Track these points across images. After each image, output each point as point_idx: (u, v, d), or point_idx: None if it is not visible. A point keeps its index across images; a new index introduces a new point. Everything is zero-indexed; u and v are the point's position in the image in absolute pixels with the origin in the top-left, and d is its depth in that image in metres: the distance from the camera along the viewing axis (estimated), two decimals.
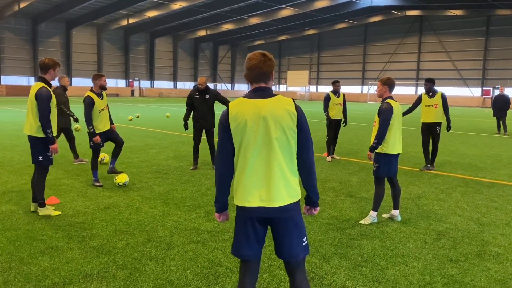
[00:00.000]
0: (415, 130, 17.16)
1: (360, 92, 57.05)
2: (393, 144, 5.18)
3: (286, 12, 45.37)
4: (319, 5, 42.73)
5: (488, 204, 6.22)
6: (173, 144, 11.71)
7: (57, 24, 48.57)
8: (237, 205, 2.69)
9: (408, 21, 51.51)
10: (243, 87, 70.65)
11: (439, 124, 8.65)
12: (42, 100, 4.86)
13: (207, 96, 8.23)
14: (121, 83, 55.60)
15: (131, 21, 48.29)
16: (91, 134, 6.69)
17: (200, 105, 8.25)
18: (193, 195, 6.34)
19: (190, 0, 40.30)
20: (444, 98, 8.62)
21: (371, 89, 53.56)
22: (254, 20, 48.99)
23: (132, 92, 53.85)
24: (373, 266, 3.98)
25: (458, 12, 45.93)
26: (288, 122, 2.47)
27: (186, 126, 8.50)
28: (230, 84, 69.28)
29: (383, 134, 5.08)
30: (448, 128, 8.68)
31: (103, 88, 6.88)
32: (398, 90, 54.69)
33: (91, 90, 6.81)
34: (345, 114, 9.95)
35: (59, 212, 5.22)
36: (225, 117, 2.51)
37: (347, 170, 8.57)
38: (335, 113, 9.79)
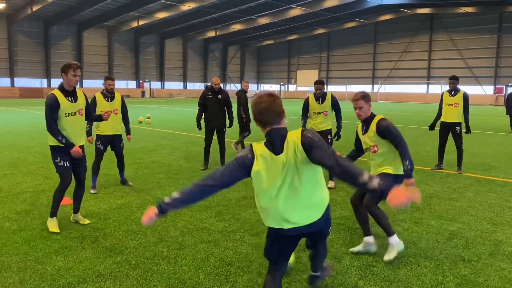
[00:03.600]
0: (425, 128, 17.00)
1: (371, 91, 56.68)
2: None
3: (295, 11, 45.28)
4: (328, 4, 42.54)
5: (501, 203, 6.14)
6: (183, 144, 11.78)
7: (68, 27, 49.16)
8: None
9: (418, 19, 51.01)
10: (253, 87, 70.69)
11: (458, 124, 8.27)
12: (45, 108, 4.67)
13: (219, 97, 8.28)
14: (132, 84, 56.05)
15: (141, 22, 48.67)
16: (86, 134, 6.23)
17: (213, 105, 8.28)
18: None
19: (200, 1, 40.47)
20: (465, 98, 8.22)
21: (382, 88, 53.21)
22: (263, 20, 48.99)
23: (143, 93, 54.25)
24: (385, 265, 3.97)
25: (469, 9, 45.34)
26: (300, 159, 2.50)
27: (199, 127, 8.53)
28: (239, 84, 69.36)
29: (408, 152, 4.09)
30: (467, 130, 8.35)
31: (107, 90, 6.63)
32: (409, 89, 54.37)
33: (102, 91, 6.74)
34: (338, 124, 7.29)
35: (58, 230, 4.73)
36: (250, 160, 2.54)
37: None
38: (318, 122, 7.28)
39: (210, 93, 8.28)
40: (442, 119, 8.48)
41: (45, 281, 3.60)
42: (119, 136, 6.82)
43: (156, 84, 58.32)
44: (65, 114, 4.70)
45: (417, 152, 10.84)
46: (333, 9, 44.73)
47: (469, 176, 8.04)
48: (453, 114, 8.28)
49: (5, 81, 46.47)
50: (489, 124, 19.97)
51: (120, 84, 54.06)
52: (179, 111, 26.92)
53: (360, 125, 4.43)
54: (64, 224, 4.99)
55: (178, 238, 4.62)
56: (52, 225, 4.80)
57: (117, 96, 6.80)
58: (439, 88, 48.84)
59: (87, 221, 5.06)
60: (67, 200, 5.89)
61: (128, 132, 7.03)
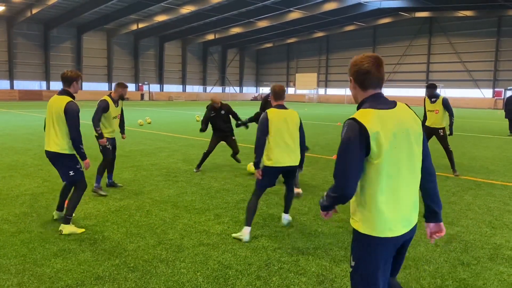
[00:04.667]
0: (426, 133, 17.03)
1: None
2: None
3: (295, 15, 45.40)
4: (327, 7, 42.67)
5: (500, 207, 6.14)
6: (182, 147, 11.78)
7: (68, 30, 49.22)
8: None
9: (417, 23, 51.19)
10: (251, 90, 70.77)
11: (442, 128, 8.55)
12: (73, 116, 4.66)
13: (222, 112, 8.50)
14: (131, 87, 56.00)
15: (140, 25, 48.74)
16: (99, 136, 6.59)
17: (218, 121, 8.50)
18: (202, 198, 6.37)
19: (199, 4, 40.58)
20: (445, 103, 8.46)
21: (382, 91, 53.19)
22: (263, 23, 49.12)
23: (142, 96, 54.27)
24: None
25: (468, 13, 45.51)
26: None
27: (203, 130, 8.47)
28: (238, 88, 69.45)
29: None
30: (450, 132, 8.49)
31: (122, 98, 6.85)
32: (408, 92, 54.43)
33: (109, 95, 6.73)
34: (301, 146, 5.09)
35: (83, 230, 4.84)
36: (360, 133, 2.14)
37: None
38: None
39: (213, 112, 8.42)
40: (427, 123, 8.79)
41: (44, 283, 3.59)
42: (114, 139, 7.07)
43: (155, 87, 58.36)
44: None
45: None
46: (332, 13, 44.86)
47: (468, 179, 8.05)
48: (435, 120, 8.61)
49: (4, 84, 46.47)
50: (488, 128, 20.01)
51: None
52: (178, 114, 26.94)
53: None
54: None
55: (177, 240, 4.61)
56: (75, 228, 4.82)
57: (120, 102, 7.01)
58: (438, 92, 48.85)
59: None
60: (66, 203, 5.88)
61: (123, 132, 7.37)
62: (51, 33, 47.94)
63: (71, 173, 4.86)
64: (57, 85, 49.31)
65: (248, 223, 4.68)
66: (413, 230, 2.40)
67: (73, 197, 4.90)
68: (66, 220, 4.79)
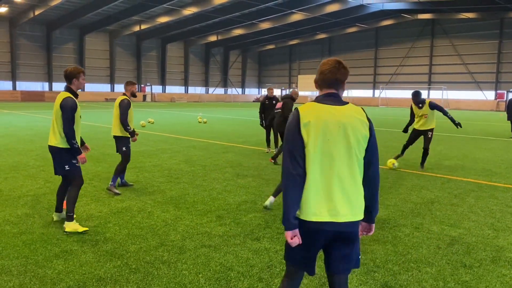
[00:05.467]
0: None
1: (372, 96, 56.76)
2: None
3: (297, 16, 45.45)
4: (330, 9, 42.71)
5: (502, 209, 6.12)
6: (184, 148, 11.79)
7: (70, 31, 49.39)
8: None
9: (419, 25, 51.16)
10: (254, 92, 70.81)
11: (431, 129, 9.06)
12: (67, 110, 4.76)
13: (274, 102, 10.97)
14: None
15: (143, 27, 48.87)
16: (131, 134, 6.77)
17: (269, 109, 10.98)
18: (204, 199, 6.37)
19: (201, 6, 40.66)
20: (432, 106, 8.86)
21: (383, 93, 53.27)
22: (265, 25, 49.17)
23: (144, 97, 54.39)
24: (386, 271, 3.95)
25: (470, 15, 45.46)
26: (362, 131, 2.43)
27: (262, 124, 11.52)
28: (240, 89, 69.51)
29: None
30: (457, 125, 8.78)
31: (133, 95, 6.94)
32: (410, 94, 54.10)
33: (124, 95, 6.87)
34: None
35: (86, 228, 4.88)
36: (297, 121, 2.39)
37: None
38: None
39: (267, 101, 11.16)
40: (415, 126, 9.21)
41: (45, 285, 3.59)
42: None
43: (157, 88, 58.48)
44: (80, 116, 4.99)
45: (418, 157, 10.82)
46: (334, 14, 44.89)
47: (470, 181, 8.03)
48: (425, 124, 9.04)
49: (7, 85, 46.65)
50: (490, 130, 19.96)
51: (121, 88, 54.21)
52: (180, 115, 26.97)
53: None
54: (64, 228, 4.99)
55: (179, 242, 4.61)
56: (78, 226, 4.85)
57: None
58: (440, 94, 48.86)
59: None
60: None
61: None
62: (54, 34, 48.13)
63: (66, 167, 4.93)
64: (59, 86, 49.44)
65: None
66: (346, 225, 2.42)
67: (70, 194, 4.96)
68: (68, 218, 4.84)
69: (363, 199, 2.48)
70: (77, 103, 4.90)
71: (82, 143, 5.39)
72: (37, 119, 21.04)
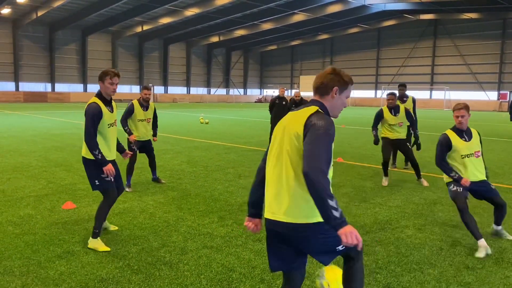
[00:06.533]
0: (430, 134, 16.95)
1: (374, 97, 56.68)
2: None
3: (299, 17, 45.46)
4: (331, 9, 42.70)
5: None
6: (186, 149, 11.80)
7: (73, 32, 49.52)
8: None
9: (422, 25, 51.08)
10: (256, 92, 70.82)
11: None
12: (87, 117, 4.32)
13: (284, 102, 11.09)
14: (136, 89, 56.33)
15: (145, 28, 48.96)
16: (128, 134, 7.02)
17: (280, 109, 10.83)
18: (206, 200, 6.37)
19: (203, 7, 40.71)
20: (413, 101, 9.54)
21: (385, 94, 53.14)
22: (267, 26, 49.19)
23: None
24: (388, 272, 3.94)
25: (473, 15, 45.37)
26: (300, 133, 2.37)
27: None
28: (242, 90, 69.53)
29: None
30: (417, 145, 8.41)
31: (144, 100, 7.07)
32: (412, 94, 53.95)
33: (138, 99, 7.12)
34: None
35: (108, 249, 4.36)
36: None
37: (361, 176, 8.51)
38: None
39: (277, 100, 11.28)
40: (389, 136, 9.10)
41: (48, 286, 3.59)
42: (150, 141, 7.46)
43: (159, 89, 58.56)
44: (108, 124, 4.49)
45: (420, 158, 10.79)
46: (336, 15, 44.87)
47: None
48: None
49: (10, 86, 46.80)
50: (493, 131, 19.90)
51: (123, 89, 54.37)
52: (182, 116, 27.00)
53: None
54: (66, 229, 5.00)
55: (181, 243, 4.61)
56: (100, 245, 4.38)
57: (151, 106, 7.29)
58: (442, 94, 48.78)
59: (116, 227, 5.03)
60: (70, 205, 5.90)
61: (155, 135, 7.67)
62: (56, 35, 48.26)
63: (97, 182, 4.45)
64: (62, 87, 49.60)
65: None
66: (280, 224, 2.43)
67: (99, 210, 4.50)
68: (94, 234, 4.41)
69: (300, 203, 2.38)
70: (104, 109, 4.39)
71: (122, 149, 4.93)
72: (39, 120, 21.09)
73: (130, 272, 3.88)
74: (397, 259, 4.25)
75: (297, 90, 11.12)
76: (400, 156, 9.48)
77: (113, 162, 4.60)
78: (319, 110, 2.42)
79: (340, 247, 2.44)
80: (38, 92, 47.17)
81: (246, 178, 7.94)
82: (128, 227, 5.13)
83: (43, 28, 47.56)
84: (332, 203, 2.15)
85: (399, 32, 53.04)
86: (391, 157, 8.88)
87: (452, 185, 4.82)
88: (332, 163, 2.38)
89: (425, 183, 7.64)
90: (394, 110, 7.80)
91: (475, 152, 4.83)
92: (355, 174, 8.70)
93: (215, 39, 56.62)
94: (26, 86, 47.80)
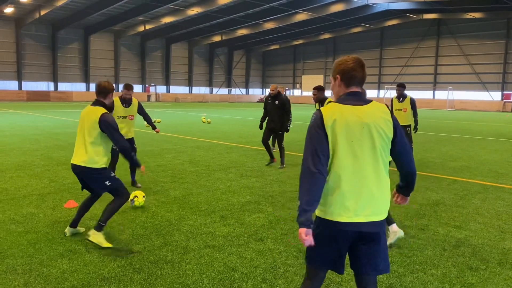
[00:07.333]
0: (432, 134, 16.90)
1: (377, 97, 56.58)
2: None
3: (301, 16, 45.39)
4: (334, 9, 42.61)
5: (509, 211, 6.07)
6: (188, 148, 11.80)
7: (75, 31, 49.61)
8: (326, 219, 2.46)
9: (425, 25, 50.94)
10: (258, 92, 70.80)
11: (408, 126, 9.46)
12: (113, 127, 4.36)
13: (276, 102, 9.15)
14: (138, 88, 56.36)
15: (147, 27, 49.00)
16: None
17: (272, 109, 9.19)
18: (208, 200, 6.37)
19: (206, 6, 40.70)
20: (412, 102, 9.44)
21: (388, 94, 53.09)
22: (269, 25, 49.14)
23: (149, 97, 54.53)
24: (391, 273, 3.92)
25: (476, 15, 45.19)
26: (387, 132, 2.43)
27: (261, 126, 9.73)
28: (244, 89, 69.52)
29: None
30: (415, 129, 9.49)
31: (124, 98, 6.96)
32: (415, 94, 54.08)
33: (120, 96, 7.03)
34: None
35: (110, 245, 4.40)
36: (321, 121, 2.39)
37: None
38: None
39: (269, 99, 9.28)
40: None
41: (50, 284, 3.59)
42: (133, 139, 7.16)
43: (161, 88, 58.61)
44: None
45: (423, 158, 10.78)
46: (339, 14, 44.77)
47: (476, 183, 7.97)
48: (402, 118, 9.37)
49: (13, 84, 46.92)
50: (496, 131, 19.82)
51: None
52: (184, 115, 27.01)
53: None
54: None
55: (183, 242, 4.60)
56: (103, 240, 4.40)
57: (134, 102, 7.14)
58: (445, 94, 48.63)
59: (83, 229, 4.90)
60: (73, 203, 5.91)
61: (154, 127, 7.68)
62: (59, 34, 48.35)
63: (107, 183, 4.48)
64: (64, 86, 49.70)
65: None
66: (369, 225, 2.43)
67: (112, 205, 4.52)
68: (98, 227, 4.41)
69: (387, 199, 2.50)
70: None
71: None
72: (42, 119, 21.14)
73: (132, 271, 3.88)
74: (400, 260, 4.23)
75: (275, 84, 9.59)
76: None
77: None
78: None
79: None
80: (41, 91, 47.27)
81: (248, 178, 7.94)
82: (130, 226, 5.13)
83: (46, 27, 47.66)
84: None
85: (402, 31, 52.91)
86: None
87: None
88: None
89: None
90: (402, 97, 9.52)
91: None
92: None
93: (217, 38, 56.62)
94: (29, 85, 47.92)
